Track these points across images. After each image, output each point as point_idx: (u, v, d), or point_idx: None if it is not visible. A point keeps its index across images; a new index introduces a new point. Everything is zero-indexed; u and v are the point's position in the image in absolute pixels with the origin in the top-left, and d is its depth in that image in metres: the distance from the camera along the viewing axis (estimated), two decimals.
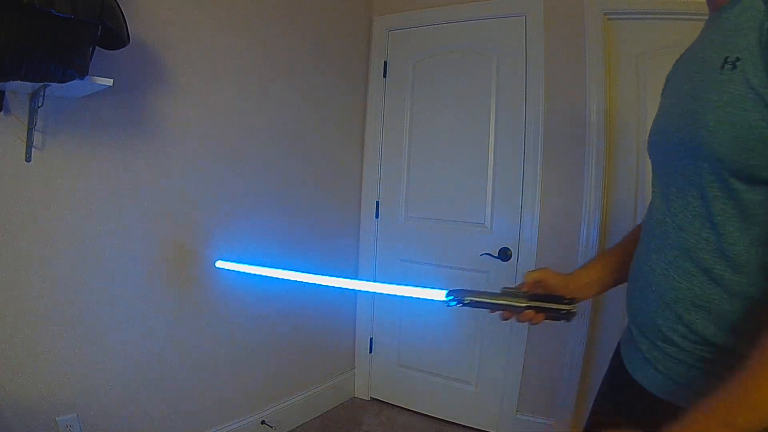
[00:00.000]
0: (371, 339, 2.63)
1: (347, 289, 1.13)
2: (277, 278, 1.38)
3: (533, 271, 0.91)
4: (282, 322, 2.19)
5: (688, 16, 1.85)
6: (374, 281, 2.59)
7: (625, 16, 2.04)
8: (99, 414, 1.54)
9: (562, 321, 0.85)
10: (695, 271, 0.64)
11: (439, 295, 0.92)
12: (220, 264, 1.61)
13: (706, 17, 0.74)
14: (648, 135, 0.79)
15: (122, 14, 1.21)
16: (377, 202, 2.59)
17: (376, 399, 2.64)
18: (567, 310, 0.83)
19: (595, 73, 2.05)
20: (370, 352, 2.64)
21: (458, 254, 2.33)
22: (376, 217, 2.59)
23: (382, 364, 2.61)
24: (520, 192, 2.21)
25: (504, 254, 2.20)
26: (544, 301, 0.84)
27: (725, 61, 0.59)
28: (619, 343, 0.87)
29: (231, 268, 1.62)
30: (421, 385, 2.49)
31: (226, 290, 1.90)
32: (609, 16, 2.06)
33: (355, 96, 2.55)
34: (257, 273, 1.54)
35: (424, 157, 2.47)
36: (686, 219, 0.66)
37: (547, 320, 0.85)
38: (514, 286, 0.89)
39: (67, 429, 1.45)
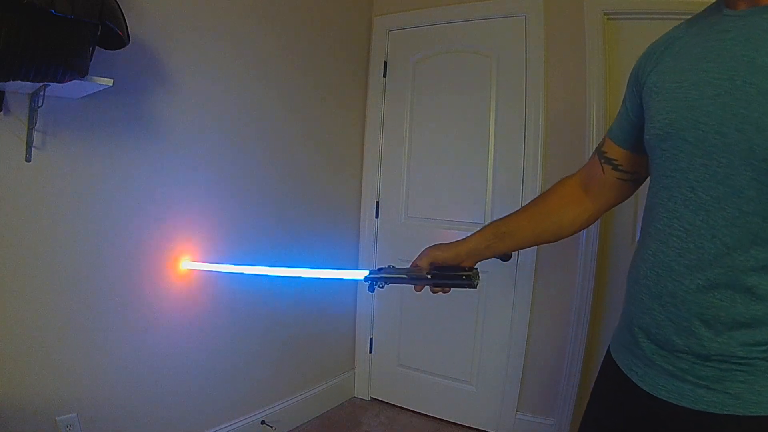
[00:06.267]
0: (371, 339, 2.63)
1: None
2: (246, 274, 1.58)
3: (422, 258, 0.94)
4: (282, 322, 2.19)
5: (688, 17, 1.85)
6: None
7: (625, 16, 2.04)
8: (99, 414, 1.54)
9: (467, 288, 0.92)
10: (739, 288, 0.61)
11: (360, 275, 1.03)
12: (187, 264, 1.68)
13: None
14: (656, 123, 0.71)
15: (122, 14, 1.21)
16: (377, 202, 2.59)
17: (376, 399, 2.64)
18: (467, 275, 0.90)
19: (595, 73, 2.05)
20: (370, 352, 2.64)
21: None
22: (376, 217, 2.59)
23: (382, 364, 2.61)
24: (520, 192, 2.21)
25: (504, 254, 2.21)
26: (444, 276, 0.92)
27: None
28: (606, 362, 0.85)
29: (198, 268, 1.71)
30: (421, 385, 2.49)
31: (225, 290, 1.90)
32: (609, 16, 2.06)
33: (355, 96, 2.55)
34: (224, 271, 1.66)
35: (424, 157, 2.47)
36: (732, 234, 0.61)
37: (454, 288, 0.92)
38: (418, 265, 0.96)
39: (67, 429, 1.45)
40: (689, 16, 0.80)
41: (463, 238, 0.94)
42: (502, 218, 0.96)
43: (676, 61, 0.72)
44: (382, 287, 0.99)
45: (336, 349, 2.57)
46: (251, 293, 2.01)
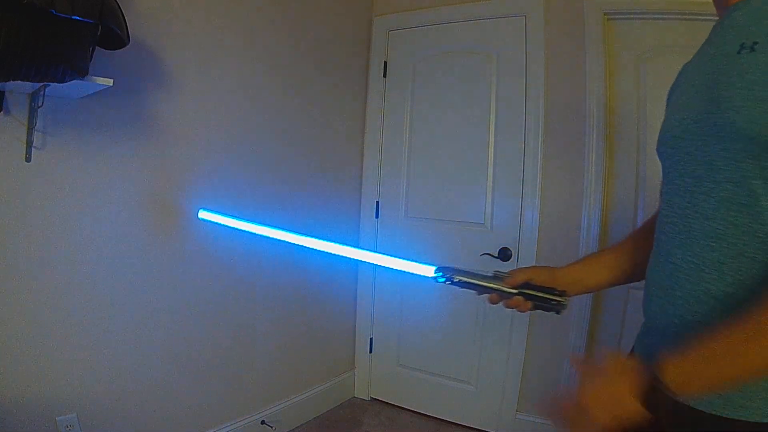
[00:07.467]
0: (371, 339, 2.63)
1: (346, 258, 1.17)
2: (268, 236, 1.38)
3: (522, 271, 0.89)
4: (282, 322, 2.19)
5: (687, 16, 1.85)
6: (373, 281, 2.59)
7: (625, 16, 2.04)
8: (99, 414, 1.54)
9: (552, 312, 0.84)
10: (725, 259, 0.63)
11: (428, 270, 0.90)
12: (202, 215, 1.50)
13: (707, 17, 0.75)
14: (661, 134, 0.79)
15: (122, 14, 1.21)
16: (377, 202, 2.59)
17: (376, 399, 2.64)
18: (558, 301, 0.83)
19: (595, 73, 2.05)
20: (370, 352, 2.64)
21: (458, 254, 2.33)
22: (376, 216, 2.59)
23: (382, 364, 2.61)
24: (519, 192, 2.21)
25: (504, 254, 2.21)
26: (534, 290, 0.84)
27: (742, 47, 0.62)
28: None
29: (214, 220, 1.50)
30: (421, 385, 2.49)
31: (225, 291, 1.90)
32: (609, 16, 2.06)
33: (355, 96, 2.55)
34: (241, 228, 1.47)
35: (424, 157, 2.47)
36: (710, 206, 0.65)
37: (535, 309, 0.85)
38: (507, 272, 0.88)
39: (67, 429, 1.45)
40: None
41: (570, 266, 0.94)
42: (603, 252, 1.00)
43: (679, 85, 0.81)
44: (450, 284, 0.88)
45: (336, 349, 2.57)
46: (251, 294, 2.01)
